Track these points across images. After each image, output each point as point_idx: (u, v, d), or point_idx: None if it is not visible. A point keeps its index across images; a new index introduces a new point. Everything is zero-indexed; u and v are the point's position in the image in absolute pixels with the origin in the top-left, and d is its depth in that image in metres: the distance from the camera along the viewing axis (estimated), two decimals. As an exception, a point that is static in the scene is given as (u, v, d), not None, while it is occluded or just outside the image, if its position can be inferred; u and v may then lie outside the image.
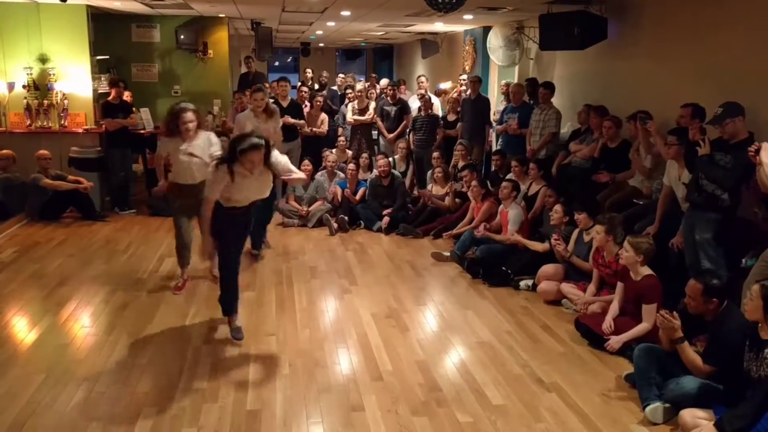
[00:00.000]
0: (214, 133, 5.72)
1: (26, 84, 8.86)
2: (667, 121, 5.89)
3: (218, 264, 4.79)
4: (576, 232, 5.81)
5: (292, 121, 8.33)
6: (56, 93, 8.94)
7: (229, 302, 4.80)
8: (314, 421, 3.70)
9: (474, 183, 7.32)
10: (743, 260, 4.53)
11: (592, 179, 6.69)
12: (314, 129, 9.55)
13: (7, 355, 4.45)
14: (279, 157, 4.56)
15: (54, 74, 8.92)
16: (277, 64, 23.84)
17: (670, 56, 6.56)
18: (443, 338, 4.94)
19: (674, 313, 3.85)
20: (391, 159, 8.68)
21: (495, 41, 10.06)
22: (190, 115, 5.36)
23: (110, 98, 8.67)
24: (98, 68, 9.64)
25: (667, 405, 3.74)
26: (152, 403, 3.82)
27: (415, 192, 8.99)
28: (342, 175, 8.67)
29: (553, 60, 9.15)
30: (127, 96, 9.26)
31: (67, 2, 8.28)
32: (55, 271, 6.29)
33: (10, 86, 8.86)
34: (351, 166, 8.58)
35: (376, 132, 10.29)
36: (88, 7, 9.03)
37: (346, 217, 8.09)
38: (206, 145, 5.47)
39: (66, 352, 4.52)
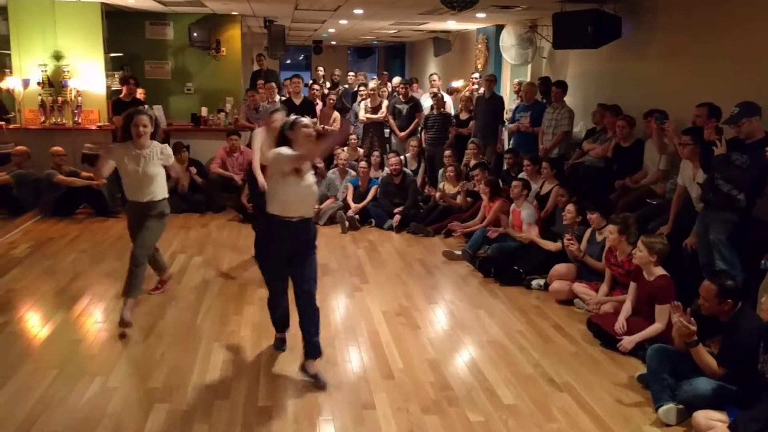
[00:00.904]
0: (167, 146, 5.30)
1: (41, 81, 8.93)
2: (681, 121, 5.85)
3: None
4: (588, 231, 5.78)
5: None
6: (70, 90, 9.00)
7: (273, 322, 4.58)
8: (325, 418, 3.70)
9: (485, 182, 7.29)
10: (762, 262, 4.48)
11: (606, 179, 6.65)
12: (326, 127, 9.55)
13: (21, 349, 4.49)
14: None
15: (68, 71, 8.99)
16: (288, 61, 23.87)
17: (685, 55, 6.52)
18: (454, 337, 4.93)
19: (692, 319, 3.82)
20: (402, 157, 8.67)
21: (508, 39, 10.03)
22: (144, 119, 4.92)
23: (122, 95, 8.71)
24: (112, 65, 9.71)
25: (681, 406, 3.72)
26: (164, 398, 3.84)
27: (427, 190, 8.98)
28: (353, 173, 8.67)
29: (566, 59, 9.11)
30: (140, 93, 9.29)
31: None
32: (68, 266, 6.33)
33: (25, 83, 8.93)
34: (363, 164, 8.58)
35: (388, 130, 10.28)
36: (103, 4, 9.08)
37: (357, 216, 8.09)
38: (157, 154, 5.00)
39: (79, 348, 4.55)
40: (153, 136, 5.02)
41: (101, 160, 5.02)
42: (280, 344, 4.57)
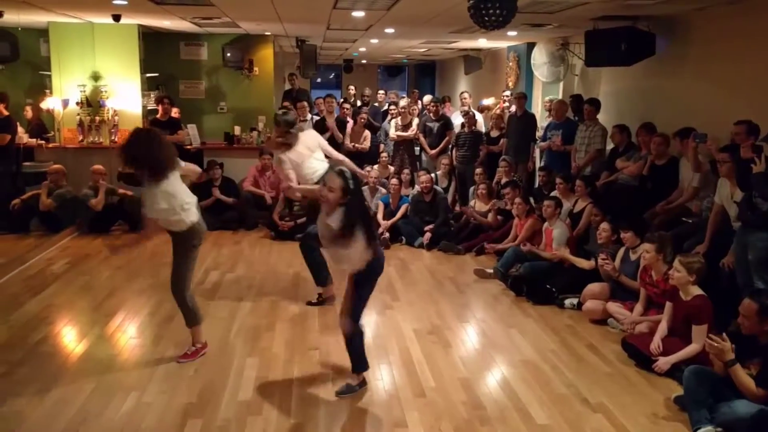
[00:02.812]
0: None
1: (79, 101, 9.18)
2: (716, 139, 5.77)
3: None
4: (622, 250, 5.71)
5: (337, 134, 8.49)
6: (108, 109, 9.24)
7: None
8: (357, 436, 3.70)
9: (518, 200, 7.26)
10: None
11: (640, 198, 6.57)
12: (357, 145, 9.63)
13: (59, 364, 4.57)
14: None
15: (106, 91, 9.23)
16: (319, 80, 24.10)
17: (721, 72, 6.44)
18: (486, 356, 4.90)
19: (723, 334, 3.75)
20: (433, 175, 8.68)
21: (539, 57, 10.02)
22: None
23: (158, 115, 8.88)
24: (148, 85, 9.92)
25: (719, 429, 3.63)
26: (198, 414, 3.87)
27: (457, 208, 8.97)
28: (383, 190, 8.70)
29: (599, 76, 9.07)
30: (175, 112, 9.48)
31: (120, 22, 8.54)
32: (104, 283, 6.45)
33: (65, 103, 9.18)
34: (394, 181, 8.61)
35: (419, 148, 10.31)
36: (139, 26, 9.30)
37: (387, 234, 8.11)
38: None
39: (114, 363, 4.62)
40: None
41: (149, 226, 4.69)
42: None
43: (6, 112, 8.41)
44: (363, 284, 4.07)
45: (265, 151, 9.07)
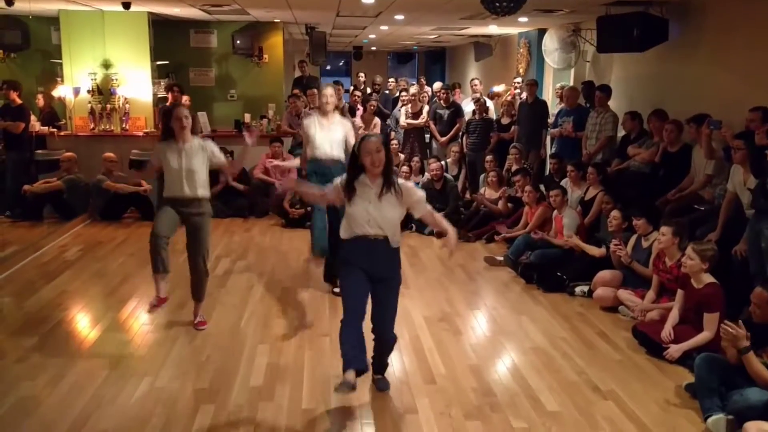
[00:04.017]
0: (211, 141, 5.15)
1: (90, 89, 9.20)
2: (730, 125, 5.71)
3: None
4: (634, 238, 5.69)
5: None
6: (118, 97, 9.25)
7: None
8: (367, 422, 3.72)
9: (528, 188, 7.24)
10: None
11: (652, 185, 6.54)
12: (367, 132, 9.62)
13: (73, 350, 4.62)
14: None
15: (116, 79, 9.24)
16: (329, 67, 24.04)
17: (735, 58, 6.37)
18: (496, 343, 4.91)
19: (739, 321, 3.73)
20: (443, 162, 8.66)
21: (550, 44, 9.94)
22: (184, 110, 4.91)
23: (168, 103, 8.90)
24: (158, 73, 9.93)
25: (731, 417, 3.62)
26: (210, 399, 3.90)
27: (468, 196, 8.95)
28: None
29: (610, 62, 8.99)
30: (185, 100, 9.49)
31: (130, 9, 8.55)
32: (116, 269, 6.50)
33: (76, 91, 9.21)
34: (404, 168, 8.60)
35: (429, 135, 10.29)
36: (150, 13, 9.30)
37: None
38: (198, 150, 4.89)
39: (127, 348, 4.66)
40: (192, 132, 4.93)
41: (150, 163, 5.08)
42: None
43: (19, 101, 8.46)
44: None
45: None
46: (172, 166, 4.80)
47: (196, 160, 4.84)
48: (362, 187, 3.72)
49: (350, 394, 3.66)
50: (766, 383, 3.63)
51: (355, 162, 3.74)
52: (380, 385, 4.10)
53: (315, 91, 10.05)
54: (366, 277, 3.81)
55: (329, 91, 5.74)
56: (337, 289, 5.71)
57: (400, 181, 3.85)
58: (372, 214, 3.72)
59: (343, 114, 6.34)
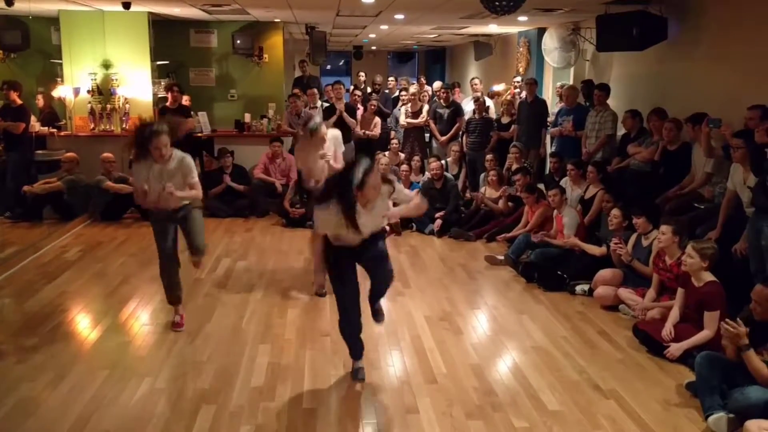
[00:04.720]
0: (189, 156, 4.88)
1: (90, 89, 9.19)
2: (729, 124, 5.71)
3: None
4: (634, 236, 5.69)
5: (349, 120, 8.52)
6: (118, 98, 9.25)
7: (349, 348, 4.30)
8: (368, 421, 3.73)
9: (524, 194, 7.25)
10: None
11: (652, 183, 6.53)
12: (367, 132, 9.62)
13: (73, 350, 4.62)
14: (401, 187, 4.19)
15: (116, 79, 9.24)
16: (329, 67, 24.03)
17: (734, 56, 6.36)
18: (497, 342, 4.91)
19: (738, 320, 3.73)
20: (443, 162, 8.66)
21: (550, 43, 9.94)
22: (164, 139, 4.58)
23: (168, 103, 8.89)
24: (158, 73, 9.92)
25: (732, 415, 3.62)
26: (211, 400, 3.90)
27: (468, 195, 8.95)
28: (394, 177, 8.68)
29: (610, 61, 8.99)
30: (186, 100, 9.49)
31: (130, 9, 8.54)
32: (117, 270, 6.49)
33: (76, 91, 9.20)
34: (404, 167, 8.60)
35: (429, 135, 10.28)
36: (150, 13, 9.30)
37: (398, 220, 8.11)
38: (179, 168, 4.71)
39: (128, 349, 4.67)
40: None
41: (135, 190, 4.81)
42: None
43: (19, 101, 8.46)
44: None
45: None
46: (153, 188, 4.64)
47: (175, 181, 4.66)
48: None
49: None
50: (765, 380, 3.62)
51: (349, 190, 3.63)
52: (378, 318, 4.38)
53: (315, 90, 10.07)
54: (355, 269, 4.05)
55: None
56: (322, 290, 5.54)
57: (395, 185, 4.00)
58: (362, 227, 3.80)
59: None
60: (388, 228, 7.90)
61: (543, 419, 3.75)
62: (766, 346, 3.88)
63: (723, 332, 3.78)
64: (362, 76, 13.21)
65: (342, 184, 3.65)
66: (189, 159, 4.80)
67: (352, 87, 12.27)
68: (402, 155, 9.63)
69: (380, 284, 4.21)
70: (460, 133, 9.71)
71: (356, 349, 4.25)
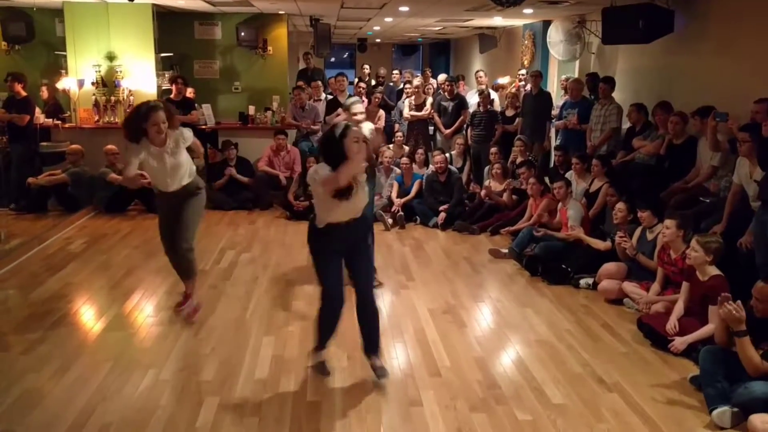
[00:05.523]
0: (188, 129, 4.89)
1: (95, 81, 9.20)
2: (736, 118, 5.68)
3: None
4: (639, 230, 5.67)
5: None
6: (123, 90, 9.25)
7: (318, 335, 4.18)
8: (372, 415, 3.72)
9: (532, 180, 7.23)
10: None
11: (657, 177, 6.51)
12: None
13: (78, 342, 4.63)
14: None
15: (121, 71, 9.24)
16: (333, 59, 23.98)
17: (741, 50, 6.33)
18: (501, 335, 4.90)
19: (738, 302, 3.70)
20: (447, 155, 8.64)
21: (555, 35, 9.89)
22: (161, 115, 4.47)
23: (172, 95, 8.88)
24: (162, 65, 9.91)
25: (736, 409, 3.61)
26: (215, 392, 3.91)
27: (472, 188, 8.93)
28: (398, 170, 8.68)
29: (615, 54, 8.95)
30: (190, 92, 9.48)
31: (134, 1, 8.53)
32: (121, 262, 6.51)
33: (80, 83, 9.21)
34: (404, 159, 8.57)
35: (433, 128, 10.26)
36: (154, 5, 9.28)
37: (402, 213, 8.11)
38: (178, 142, 4.67)
39: (132, 341, 4.68)
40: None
41: (125, 171, 4.69)
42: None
43: (24, 93, 8.47)
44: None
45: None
46: (155, 168, 4.59)
47: (177, 154, 4.64)
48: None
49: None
50: (756, 369, 3.61)
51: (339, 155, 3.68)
52: (380, 373, 4.07)
53: (319, 83, 10.05)
54: (340, 257, 3.98)
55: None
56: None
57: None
58: (350, 205, 3.81)
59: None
60: (390, 221, 7.95)
61: (547, 412, 3.75)
62: (766, 344, 3.87)
63: (723, 313, 3.74)
64: (366, 68, 13.18)
65: (327, 142, 3.77)
66: (187, 131, 4.80)
67: (356, 80, 12.24)
68: (406, 148, 9.61)
69: (363, 283, 4.06)
70: (465, 126, 9.69)
71: (326, 339, 4.13)
